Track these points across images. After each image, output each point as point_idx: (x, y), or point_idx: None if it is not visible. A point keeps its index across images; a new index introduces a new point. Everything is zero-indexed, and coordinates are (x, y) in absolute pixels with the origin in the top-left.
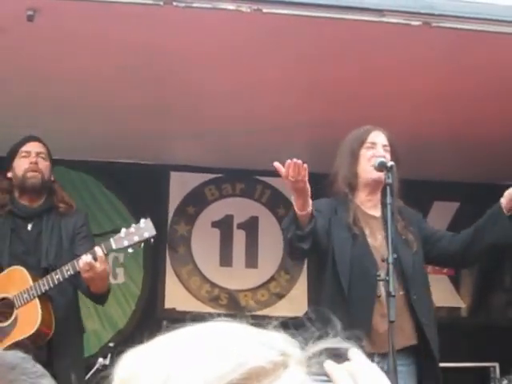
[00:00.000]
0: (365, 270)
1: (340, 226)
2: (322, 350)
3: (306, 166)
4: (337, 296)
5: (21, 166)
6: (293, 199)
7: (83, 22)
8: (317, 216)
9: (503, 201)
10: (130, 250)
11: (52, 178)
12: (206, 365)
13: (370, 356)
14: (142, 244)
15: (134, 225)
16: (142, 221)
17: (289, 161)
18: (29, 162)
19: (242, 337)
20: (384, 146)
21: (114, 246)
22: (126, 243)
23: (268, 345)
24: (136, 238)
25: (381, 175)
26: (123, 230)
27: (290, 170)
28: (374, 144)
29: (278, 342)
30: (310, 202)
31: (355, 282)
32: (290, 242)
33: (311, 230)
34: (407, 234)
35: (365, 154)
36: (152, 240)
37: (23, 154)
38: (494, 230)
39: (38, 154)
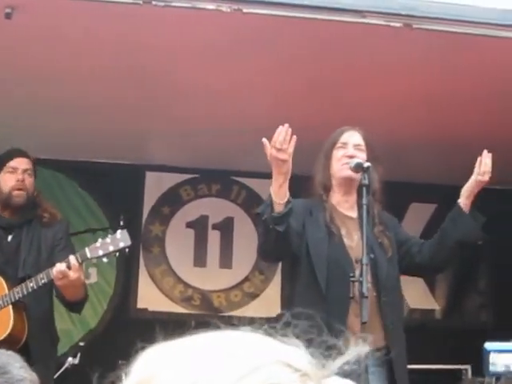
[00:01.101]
0: (340, 270)
1: (316, 227)
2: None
3: (294, 137)
4: (313, 296)
5: (7, 181)
6: (272, 180)
7: (62, 20)
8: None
9: (461, 199)
10: (104, 260)
11: (35, 193)
12: (232, 380)
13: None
14: (117, 253)
15: (110, 235)
16: (119, 231)
17: (281, 127)
18: (15, 180)
19: (268, 354)
20: (356, 145)
21: (88, 256)
22: (100, 253)
23: (291, 366)
24: (111, 248)
25: (351, 173)
26: (99, 240)
27: (280, 136)
28: (345, 144)
29: (299, 361)
30: (287, 190)
31: (331, 282)
32: (264, 224)
33: (287, 212)
34: (383, 238)
35: (335, 154)
36: (127, 250)
37: (10, 170)
38: (457, 230)
39: (24, 170)
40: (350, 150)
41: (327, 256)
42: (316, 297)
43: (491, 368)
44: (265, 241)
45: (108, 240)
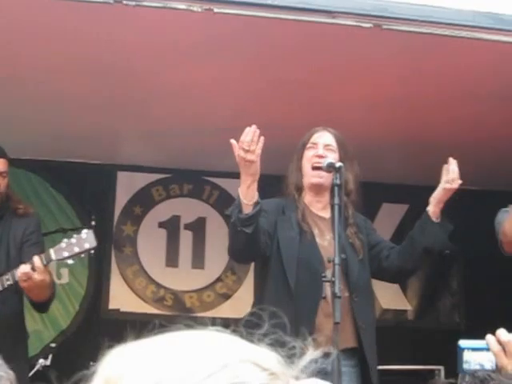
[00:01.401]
0: (312, 270)
1: (287, 226)
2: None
3: (262, 138)
4: (282, 295)
5: None
6: (240, 182)
7: (33, 18)
8: (262, 215)
9: (430, 207)
10: (70, 262)
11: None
12: (200, 378)
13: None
14: (83, 254)
15: (75, 235)
16: (84, 231)
17: (248, 128)
18: None
19: (237, 353)
20: (326, 145)
21: (53, 257)
22: (66, 254)
23: (259, 365)
24: (76, 249)
25: (321, 174)
26: (64, 240)
27: (247, 137)
28: (315, 144)
29: (267, 360)
30: (256, 191)
31: (302, 281)
32: (233, 226)
33: (255, 214)
34: (355, 240)
35: (306, 154)
36: (92, 251)
37: None
38: (424, 238)
39: (0, 173)
40: (320, 150)
41: (298, 255)
42: (285, 296)
43: (464, 366)
44: (233, 242)
45: (73, 241)
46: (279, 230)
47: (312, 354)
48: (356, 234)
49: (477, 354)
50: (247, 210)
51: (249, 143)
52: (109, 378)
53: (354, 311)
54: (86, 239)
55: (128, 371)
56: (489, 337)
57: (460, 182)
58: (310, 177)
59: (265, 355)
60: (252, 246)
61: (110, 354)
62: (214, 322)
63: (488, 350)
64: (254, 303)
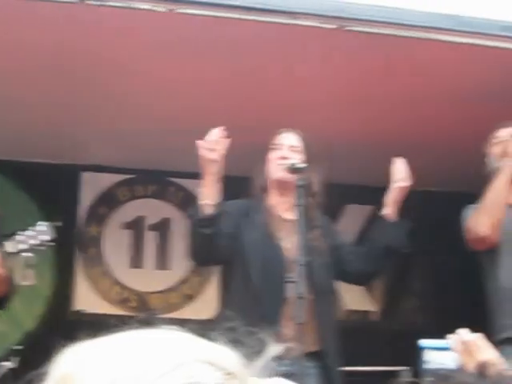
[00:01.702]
0: (276, 271)
1: (252, 228)
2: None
3: (227, 140)
4: (248, 298)
5: None
6: (202, 181)
7: None
8: (226, 218)
9: (385, 208)
10: (27, 254)
11: None
12: (154, 377)
13: (280, 359)
14: (44, 247)
15: (30, 228)
16: (39, 223)
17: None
18: None
19: (193, 352)
20: (291, 147)
21: (9, 249)
22: (22, 247)
23: (215, 364)
24: (32, 242)
25: (283, 175)
26: (19, 233)
27: (212, 137)
28: (279, 145)
29: (224, 360)
30: (218, 193)
31: (266, 284)
32: (192, 226)
33: (215, 215)
34: (319, 242)
35: (271, 156)
36: (51, 243)
37: None
38: (384, 237)
39: None
40: (284, 151)
41: (262, 257)
42: (251, 299)
43: (426, 365)
44: (192, 243)
45: (29, 233)
46: (244, 232)
47: (274, 354)
48: (320, 237)
49: (438, 354)
50: (208, 210)
51: (212, 142)
52: (62, 377)
53: (316, 314)
54: (42, 231)
55: (82, 370)
56: (450, 336)
57: (409, 180)
58: (274, 174)
59: (222, 354)
60: (211, 249)
61: (64, 352)
62: (178, 323)
63: (449, 349)
64: (221, 306)
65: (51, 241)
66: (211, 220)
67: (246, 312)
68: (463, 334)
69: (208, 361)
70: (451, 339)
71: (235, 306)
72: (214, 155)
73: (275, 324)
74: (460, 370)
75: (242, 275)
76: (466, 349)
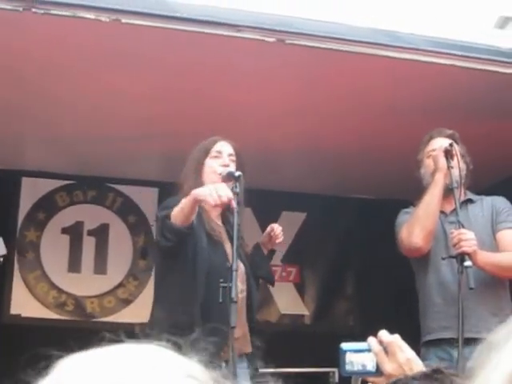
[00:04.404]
0: (220, 277)
1: (197, 234)
2: None
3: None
4: (190, 303)
5: None
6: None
7: None
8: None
9: (262, 239)
10: None
11: None
12: None
13: (215, 361)
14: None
15: None
16: None
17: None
18: None
19: (171, 369)
20: (230, 155)
21: None
22: None
23: (197, 378)
24: None
25: (224, 182)
26: None
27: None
28: (219, 153)
29: (203, 375)
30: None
31: (212, 289)
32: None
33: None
34: (246, 248)
35: (210, 163)
36: (1, 259)
37: None
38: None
39: None
40: (225, 159)
41: (209, 263)
42: (197, 304)
43: (347, 367)
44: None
45: None
46: (188, 240)
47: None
48: (246, 244)
49: (359, 356)
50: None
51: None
52: None
53: (250, 317)
54: None
55: (69, 380)
56: (370, 338)
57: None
58: (214, 181)
59: (200, 368)
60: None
61: (56, 365)
62: (115, 326)
63: (369, 350)
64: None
65: (3, 256)
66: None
67: (191, 316)
68: (383, 335)
69: (190, 375)
70: (370, 341)
71: (178, 310)
72: (221, 202)
73: (221, 328)
74: (379, 370)
75: (186, 282)
76: (386, 349)
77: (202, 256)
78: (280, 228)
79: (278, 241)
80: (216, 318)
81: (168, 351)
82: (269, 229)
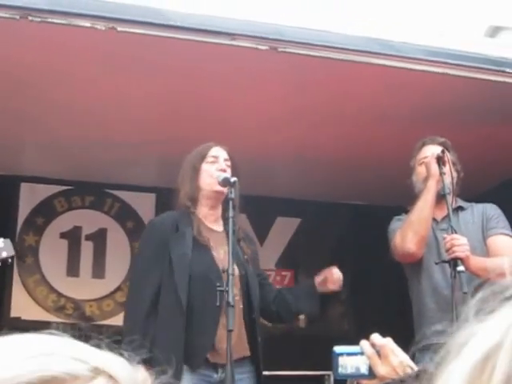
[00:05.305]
0: (208, 282)
1: (181, 243)
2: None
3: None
4: (174, 311)
5: None
6: None
7: None
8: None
9: (317, 279)
10: None
11: None
12: (8, 365)
13: (214, 367)
14: (8, 262)
15: None
16: (1, 240)
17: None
18: None
19: (55, 348)
20: (226, 160)
21: None
22: None
23: (81, 359)
24: None
25: (221, 188)
26: None
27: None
28: (216, 158)
29: (95, 359)
30: None
31: (198, 295)
32: None
33: None
34: (249, 253)
35: (206, 168)
36: (10, 260)
37: None
38: (307, 303)
39: None
40: (221, 164)
41: (192, 270)
42: (177, 312)
43: (340, 370)
44: None
45: None
46: (172, 249)
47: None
48: (248, 247)
49: (352, 359)
50: None
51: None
52: None
53: (249, 323)
54: (2, 248)
55: None
56: (363, 342)
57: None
58: (211, 186)
59: (95, 353)
60: None
61: None
62: (113, 330)
63: (362, 354)
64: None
65: (11, 257)
66: None
67: (173, 326)
68: (374, 338)
69: (73, 356)
70: (363, 344)
71: (163, 320)
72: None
73: (213, 334)
74: (372, 373)
75: (169, 291)
76: (379, 352)
77: (182, 262)
78: (339, 274)
79: (331, 287)
80: (199, 322)
81: (78, 345)
82: (327, 271)
